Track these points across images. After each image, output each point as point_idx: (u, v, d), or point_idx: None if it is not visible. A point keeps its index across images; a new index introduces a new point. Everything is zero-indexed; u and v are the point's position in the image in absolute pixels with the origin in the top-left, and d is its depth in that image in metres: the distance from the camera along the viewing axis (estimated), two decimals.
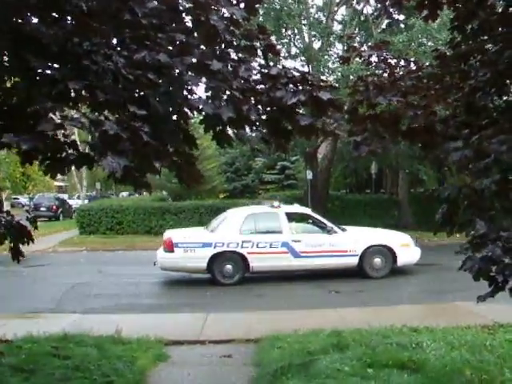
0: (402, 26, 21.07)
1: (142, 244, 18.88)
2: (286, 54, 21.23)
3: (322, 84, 3.95)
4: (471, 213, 3.76)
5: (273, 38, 17.15)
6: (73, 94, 3.41)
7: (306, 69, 19.92)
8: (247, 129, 4.13)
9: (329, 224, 11.90)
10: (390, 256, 11.68)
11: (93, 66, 3.35)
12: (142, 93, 3.67)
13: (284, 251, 11.37)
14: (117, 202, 26.21)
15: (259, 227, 11.69)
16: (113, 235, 21.69)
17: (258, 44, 4.14)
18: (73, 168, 3.70)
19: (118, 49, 3.63)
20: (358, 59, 4.88)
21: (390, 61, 4.35)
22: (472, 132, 3.77)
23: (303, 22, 21.00)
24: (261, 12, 17.98)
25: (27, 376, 5.09)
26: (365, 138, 4.09)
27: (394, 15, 19.84)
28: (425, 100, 4.16)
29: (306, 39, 21.48)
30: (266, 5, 18.51)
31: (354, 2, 21.99)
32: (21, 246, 4.97)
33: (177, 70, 3.62)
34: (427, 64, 4.74)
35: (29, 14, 3.39)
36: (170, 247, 11.29)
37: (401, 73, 4.29)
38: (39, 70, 3.35)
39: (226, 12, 3.74)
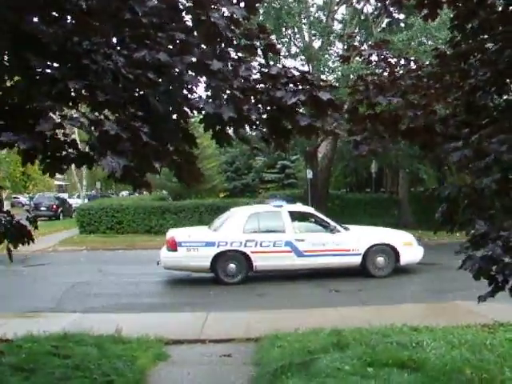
0: (402, 25, 21.08)
1: (142, 243, 18.90)
2: (286, 53, 21.24)
3: (321, 84, 3.95)
4: (471, 212, 3.76)
5: (273, 37, 17.16)
6: (73, 94, 3.41)
7: (306, 68, 19.93)
8: (247, 128, 4.13)
9: (332, 223, 11.91)
10: (393, 255, 11.68)
11: (92, 65, 3.34)
12: (141, 92, 3.66)
13: (287, 250, 11.37)
14: (117, 202, 26.22)
15: (262, 226, 11.70)
16: (113, 234, 21.71)
17: (258, 43, 4.13)
18: (73, 167, 3.70)
19: (118, 48, 3.63)
20: (358, 58, 4.88)
21: (390, 60, 4.35)
22: (472, 131, 3.77)
23: (303, 21, 20.98)
24: (261, 11, 17.97)
25: (27, 375, 5.09)
26: (365, 138, 4.09)
27: (394, 14, 19.88)
28: (425, 99, 4.16)
29: (306, 38, 21.47)
30: (266, 4, 18.50)
31: (354, 1, 21.95)
32: (21, 245, 4.96)
33: (177, 70, 3.61)
34: (427, 63, 4.74)
35: (29, 13, 3.39)
36: (173, 246, 11.28)
37: (401, 72, 4.29)
38: (39, 69, 3.35)
39: (226, 11, 3.74)
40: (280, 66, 4.20)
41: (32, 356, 5.64)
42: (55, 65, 3.41)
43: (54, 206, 34.48)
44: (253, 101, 3.88)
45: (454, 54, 4.13)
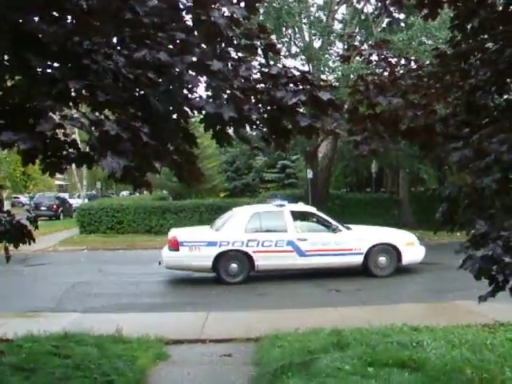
0: (403, 24, 21.07)
1: (142, 243, 18.91)
2: (287, 53, 21.22)
3: (322, 83, 3.95)
4: (472, 212, 3.75)
5: (273, 36, 17.15)
6: (73, 94, 3.40)
7: (306, 68, 19.92)
8: (247, 128, 4.13)
9: (334, 223, 11.91)
10: (395, 255, 11.69)
11: (93, 65, 3.34)
12: (142, 92, 3.66)
13: (289, 250, 11.38)
14: (117, 201, 26.24)
15: (264, 226, 11.69)
16: (113, 234, 21.72)
17: (258, 43, 4.13)
18: (73, 167, 3.71)
19: (118, 48, 3.62)
20: (358, 58, 4.89)
21: (390, 59, 4.35)
22: (472, 131, 3.77)
23: (303, 20, 20.97)
24: (261, 11, 17.96)
25: (27, 375, 5.10)
26: (365, 138, 4.09)
27: (394, 14, 19.87)
28: (425, 99, 4.16)
29: (307, 38, 21.45)
30: (266, 3, 18.49)
31: (355, 1, 21.96)
32: (21, 245, 4.97)
33: (177, 69, 3.61)
34: (427, 63, 4.74)
35: (29, 13, 3.39)
36: (175, 246, 11.29)
37: (401, 71, 4.28)
38: (39, 69, 3.35)
39: (226, 11, 3.74)
40: (280, 65, 4.20)
41: (32, 356, 5.64)
42: (55, 65, 3.41)
43: (55, 206, 34.48)
44: (253, 101, 3.88)
45: (455, 54, 4.13)
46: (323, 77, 18.23)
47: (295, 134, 4.22)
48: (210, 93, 3.75)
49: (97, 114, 3.74)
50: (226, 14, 3.73)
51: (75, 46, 3.42)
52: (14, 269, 12.17)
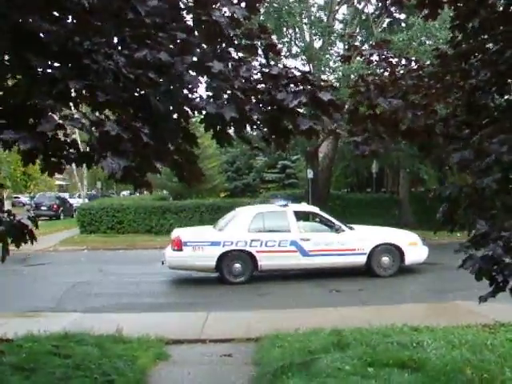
0: (403, 24, 21.06)
1: (142, 243, 18.91)
2: (287, 53, 21.22)
3: (322, 84, 3.95)
4: (472, 212, 3.75)
5: (274, 37, 17.12)
6: (73, 94, 3.41)
7: (306, 68, 19.93)
8: (248, 128, 4.13)
9: (337, 223, 11.92)
10: (398, 255, 11.70)
11: (93, 65, 3.34)
12: (142, 92, 3.66)
13: (293, 250, 11.39)
14: (117, 201, 26.24)
15: (268, 226, 11.70)
16: (113, 234, 21.72)
17: (258, 43, 4.13)
18: (74, 167, 3.71)
19: (119, 48, 3.63)
20: (359, 58, 4.89)
21: (390, 60, 4.34)
22: (472, 131, 3.77)
23: (304, 20, 20.96)
24: (262, 11, 17.95)
25: (28, 375, 5.09)
26: (365, 139, 4.09)
27: (394, 14, 19.88)
28: (425, 99, 4.16)
29: (307, 38, 21.45)
30: (266, 4, 18.49)
31: (355, 1, 21.98)
32: (21, 244, 4.96)
33: (178, 69, 3.61)
34: (428, 63, 4.74)
35: (30, 13, 3.39)
36: (178, 246, 11.29)
37: (402, 72, 4.28)
38: (39, 69, 3.35)
39: (227, 11, 3.74)
40: (281, 66, 4.20)
41: (32, 356, 5.64)
42: (56, 64, 3.41)
43: (55, 206, 34.49)
44: (254, 101, 3.88)
45: (455, 54, 4.13)
46: (324, 77, 18.25)
47: (295, 135, 4.22)
48: (210, 93, 3.75)
49: (97, 114, 3.74)
50: (226, 14, 3.73)
51: (76, 45, 3.42)
52: (14, 269, 12.19)
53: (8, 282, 11.85)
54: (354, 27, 21.57)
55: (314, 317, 7.80)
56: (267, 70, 3.95)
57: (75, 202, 39.26)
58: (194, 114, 3.95)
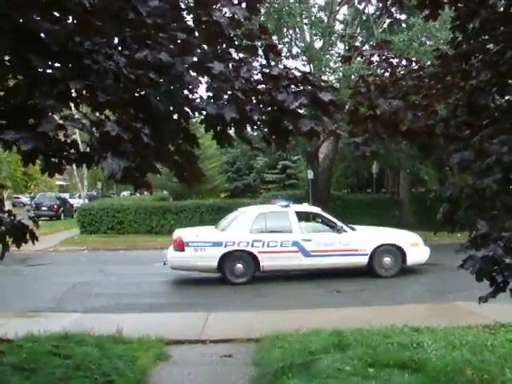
0: (404, 25, 21.07)
1: (142, 243, 18.92)
2: (288, 54, 21.22)
3: (323, 84, 3.95)
4: (473, 212, 3.75)
5: (274, 37, 17.13)
6: (74, 94, 3.41)
7: (307, 68, 19.93)
8: (248, 128, 4.13)
9: (339, 223, 11.93)
10: (400, 255, 11.71)
11: (94, 65, 3.34)
12: (142, 92, 3.66)
13: (294, 250, 11.39)
14: (118, 202, 26.29)
15: (270, 226, 11.72)
16: (114, 235, 21.74)
17: (259, 44, 4.13)
18: (74, 168, 3.71)
19: (120, 48, 3.63)
20: (359, 59, 4.89)
21: (391, 60, 4.34)
22: (473, 132, 3.77)
23: (305, 21, 20.97)
24: (262, 11, 17.96)
25: (28, 375, 5.09)
26: (365, 139, 4.09)
27: (395, 15, 19.88)
28: (426, 100, 4.16)
29: (308, 39, 21.46)
30: (267, 4, 18.50)
31: (356, 2, 21.99)
32: (23, 244, 4.96)
33: (178, 70, 3.61)
34: (428, 63, 4.74)
35: (30, 13, 3.39)
36: (180, 246, 11.29)
37: (402, 72, 4.28)
38: (40, 69, 3.35)
39: (227, 11, 3.74)
40: (281, 66, 4.20)
41: (33, 356, 5.64)
42: (56, 65, 3.41)
43: (55, 206, 34.51)
44: (254, 101, 3.88)
45: (456, 55, 4.13)
46: (324, 77, 18.23)
47: (296, 135, 4.22)
48: (210, 93, 3.75)
49: (97, 114, 3.74)
50: (227, 15, 3.73)
51: (76, 46, 3.42)
52: (14, 269, 12.19)
53: (8, 282, 11.87)
54: (355, 28, 21.58)
55: (315, 317, 7.80)
56: (268, 71, 3.95)
57: (75, 202, 39.29)
58: (194, 114, 3.94)
